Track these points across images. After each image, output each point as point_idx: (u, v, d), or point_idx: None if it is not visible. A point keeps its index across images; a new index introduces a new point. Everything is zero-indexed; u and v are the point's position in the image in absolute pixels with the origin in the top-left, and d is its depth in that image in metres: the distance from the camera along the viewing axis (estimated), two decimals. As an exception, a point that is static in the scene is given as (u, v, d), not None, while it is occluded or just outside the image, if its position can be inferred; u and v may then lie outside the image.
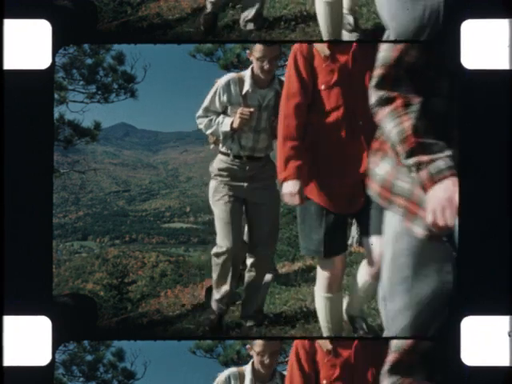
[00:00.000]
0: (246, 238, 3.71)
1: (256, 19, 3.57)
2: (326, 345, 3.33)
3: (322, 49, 3.35)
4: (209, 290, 3.63)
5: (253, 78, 3.55)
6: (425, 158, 2.61)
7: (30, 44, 3.14)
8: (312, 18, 3.47)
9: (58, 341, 3.19)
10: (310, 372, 3.32)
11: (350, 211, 3.43)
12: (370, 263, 3.41)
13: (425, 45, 2.99)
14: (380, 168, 2.86)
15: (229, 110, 3.60)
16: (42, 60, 3.15)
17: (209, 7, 3.53)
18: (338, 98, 3.35)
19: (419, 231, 2.72)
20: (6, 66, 3.12)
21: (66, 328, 3.22)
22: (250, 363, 3.38)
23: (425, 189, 2.63)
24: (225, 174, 3.63)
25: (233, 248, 3.59)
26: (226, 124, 3.59)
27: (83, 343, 3.39)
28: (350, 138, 3.36)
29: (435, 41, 3.05)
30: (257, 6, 3.56)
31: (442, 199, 2.62)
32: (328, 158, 3.40)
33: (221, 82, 3.57)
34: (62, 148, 3.51)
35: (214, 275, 3.61)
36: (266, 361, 3.38)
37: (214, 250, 3.60)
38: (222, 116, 3.60)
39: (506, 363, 3.08)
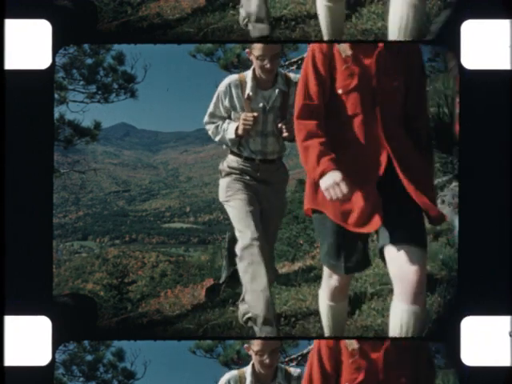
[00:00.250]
0: None
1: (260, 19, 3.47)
2: (352, 344, 3.15)
3: (343, 49, 3.09)
4: (209, 290, 3.63)
5: (255, 80, 3.44)
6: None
7: (31, 44, 3.14)
8: (312, 17, 3.47)
9: (58, 341, 3.19)
10: (332, 373, 3.16)
11: (366, 230, 3.07)
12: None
13: (425, 45, 3.00)
14: None
15: (232, 115, 3.50)
16: (42, 60, 3.15)
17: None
18: (357, 105, 3.04)
19: None
20: (7, 66, 3.12)
21: (66, 328, 3.22)
22: (251, 365, 3.34)
23: None
24: (237, 172, 3.52)
25: (259, 236, 3.40)
26: (230, 131, 3.48)
27: (83, 343, 3.38)
28: (368, 147, 3.06)
29: (435, 41, 3.06)
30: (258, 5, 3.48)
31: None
32: (344, 169, 3.05)
33: (221, 86, 3.49)
34: (62, 148, 3.51)
35: (246, 276, 3.42)
36: (266, 360, 3.31)
37: (239, 245, 3.45)
38: (227, 122, 3.50)
39: (506, 363, 3.08)
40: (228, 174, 3.53)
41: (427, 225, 3.04)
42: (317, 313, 3.49)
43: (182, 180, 3.78)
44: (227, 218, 3.61)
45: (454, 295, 3.22)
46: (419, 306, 2.96)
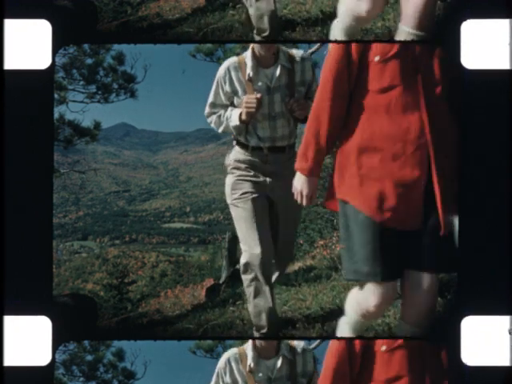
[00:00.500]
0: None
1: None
2: (381, 343, 3.09)
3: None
4: (209, 290, 3.63)
5: (254, 59, 3.24)
6: None
7: (30, 44, 3.14)
8: (312, 17, 3.46)
9: (58, 341, 3.19)
10: (352, 373, 3.09)
11: (404, 227, 2.92)
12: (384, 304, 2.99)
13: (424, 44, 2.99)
14: None
15: (235, 101, 3.28)
16: (42, 60, 3.15)
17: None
18: (394, 76, 2.88)
19: None
20: (7, 66, 3.12)
21: (66, 328, 3.22)
22: (250, 341, 3.30)
23: None
24: (243, 166, 3.31)
25: (263, 251, 3.22)
26: (234, 118, 3.26)
27: (83, 343, 3.38)
28: (407, 123, 2.91)
29: (435, 41, 3.05)
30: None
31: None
32: (379, 152, 2.92)
33: (220, 70, 3.32)
34: (62, 148, 3.51)
35: (249, 289, 3.33)
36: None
37: (242, 258, 3.36)
38: (230, 109, 3.30)
39: (506, 363, 3.08)
40: (234, 169, 3.35)
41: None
42: (317, 313, 3.49)
43: (182, 180, 3.78)
44: (227, 218, 3.61)
45: (454, 295, 3.22)
46: (422, 329, 3.03)
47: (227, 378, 3.23)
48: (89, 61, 3.50)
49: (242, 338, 3.45)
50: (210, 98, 3.37)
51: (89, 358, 3.40)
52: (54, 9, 3.21)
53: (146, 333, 3.47)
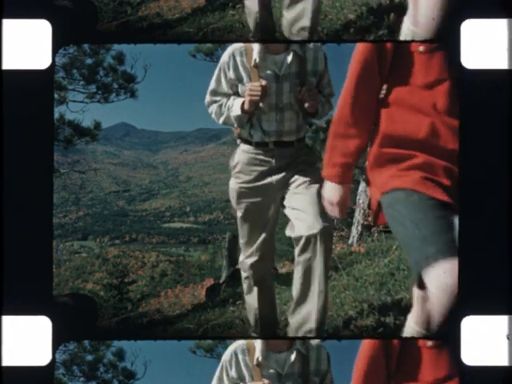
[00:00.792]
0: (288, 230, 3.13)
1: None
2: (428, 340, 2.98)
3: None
4: (209, 290, 3.63)
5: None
6: None
7: (30, 44, 3.14)
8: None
9: (58, 341, 3.19)
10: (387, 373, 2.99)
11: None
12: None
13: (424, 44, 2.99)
14: None
15: (239, 89, 3.00)
16: (42, 60, 3.15)
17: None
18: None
19: None
20: (6, 66, 3.12)
21: (66, 328, 3.22)
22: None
23: None
24: (248, 169, 3.09)
25: (258, 262, 3.16)
26: (236, 107, 2.98)
27: (83, 343, 3.39)
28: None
29: (435, 41, 3.05)
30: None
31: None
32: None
33: (223, 56, 3.10)
34: (62, 148, 3.51)
35: (244, 286, 3.36)
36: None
37: (240, 258, 3.39)
38: (232, 98, 3.04)
39: (506, 363, 3.08)
40: (238, 173, 3.18)
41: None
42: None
43: (181, 180, 3.78)
44: (227, 218, 3.61)
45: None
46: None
47: (232, 372, 3.02)
48: (89, 61, 3.50)
49: (242, 338, 3.45)
50: (211, 86, 3.15)
51: (89, 357, 3.40)
52: (54, 9, 3.21)
53: (146, 333, 3.47)
